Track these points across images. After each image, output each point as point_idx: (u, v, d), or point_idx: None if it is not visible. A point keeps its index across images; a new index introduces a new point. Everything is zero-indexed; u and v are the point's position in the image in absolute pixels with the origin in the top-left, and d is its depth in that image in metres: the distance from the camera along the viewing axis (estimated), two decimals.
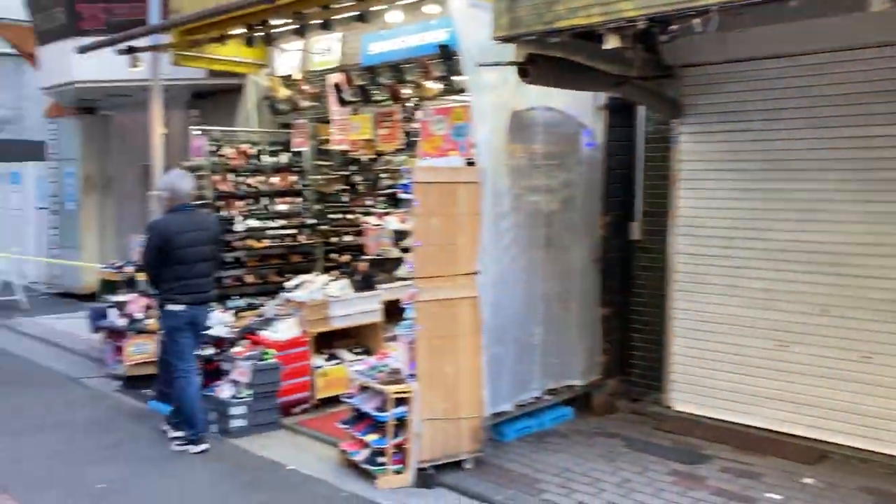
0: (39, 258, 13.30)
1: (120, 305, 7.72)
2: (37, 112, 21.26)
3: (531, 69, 4.89)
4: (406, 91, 7.53)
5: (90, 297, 11.22)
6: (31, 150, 17.96)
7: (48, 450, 5.63)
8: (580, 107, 6.06)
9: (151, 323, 7.51)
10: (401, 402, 5.03)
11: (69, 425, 6.23)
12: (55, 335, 9.60)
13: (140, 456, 5.56)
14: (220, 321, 6.74)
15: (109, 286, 8.34)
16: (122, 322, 7.49)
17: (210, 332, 6.59)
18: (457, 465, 5.11)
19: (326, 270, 8.47)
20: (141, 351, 7.38)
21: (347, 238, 9.09)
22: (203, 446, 5.64)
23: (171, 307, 5.71)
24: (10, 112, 21.51)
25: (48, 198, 13.26)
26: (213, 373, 6.34)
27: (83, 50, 8.18)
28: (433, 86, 7.24)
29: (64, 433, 6.02)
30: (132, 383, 7.15)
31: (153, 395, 6.78)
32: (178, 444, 5.69)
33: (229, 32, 7.72)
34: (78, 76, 9.88)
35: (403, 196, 5.35)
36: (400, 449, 5.04)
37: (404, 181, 5.32)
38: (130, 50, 7.66)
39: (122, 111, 12.16)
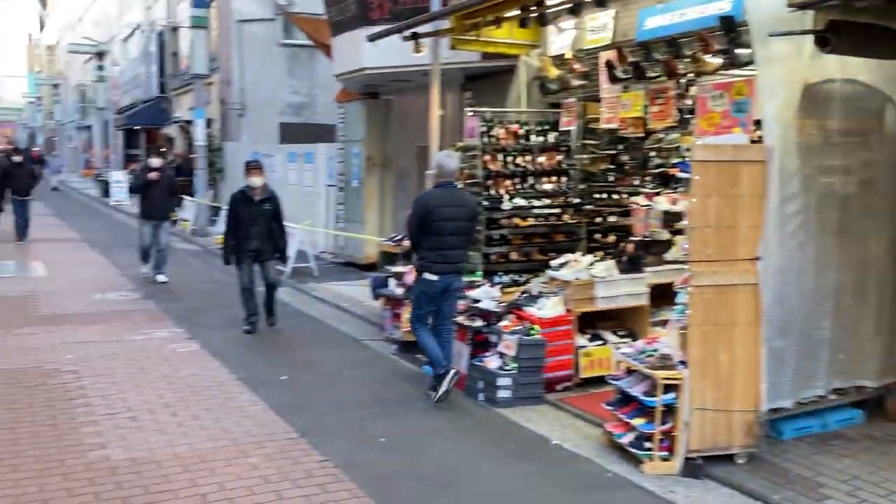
0: (328, 230, 14.71)
1: (398, 276, 8.28)
2: (326, 98, 23.41)
3: (832, 38, 4.46)
4: (682, 66, 7.22)
5: (370, 267, 12.20)
6: (323, 133, 19.88)
7: (336, 402, 6.23)
8: (888, 79, 5.41)
9: None
10: (670, 388, 4.90)
11: (353, 382, 6.84)
12: (340, 300, 10.56)
13: (414, 415, 5.96)
14: (488, 295, 7.00)
15: (389, 258, 9.01)
16: (399, 291, 8.03)
17: (479, 304, 6.89)
18: (727, 458, 4.88)
19: (590, 251, 8.43)
20: None
21: (612, 218, 8.97)
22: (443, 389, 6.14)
23: (426, 275, 6.26)
24: (305, 98, 23.90)
25: (336, 176, 14.56)
26: (481, 344, 6.62)
27: (373, 38, 8.82)
28: (712, 60, 6.87)
29: (349, 388, 6.63)
30: (407, 348, 7.64)
31: (426, 360, 7.22)
32: (430, 390, 6.30)
33: (505, 15, 7.90)
34: (367, 63, 10.70)
35: (679, 175, 5.17)
36: (667, 435, 4.91)
37: (680, 160, 5.13)
38: (414, 36, 8.13)
39: (402, 95, 12.98)
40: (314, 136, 19.06)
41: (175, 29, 28.47)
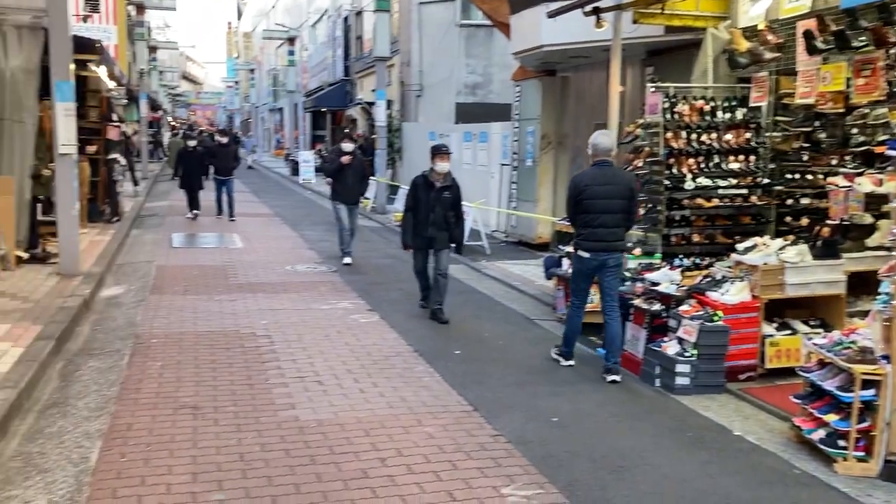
0: (500, 209, 14.83)
1: (572, 256, 8.21)
2: (502, 76, 23.53)
3: None
4: (893, 34, 6.57)
5: (542, 246, 12.19)
6: (498, 112, 19.98)
7: (508, 378, 6.29)
8: None
9: None
10: (869, 384, 4.53)
11: (525, 359, 6.87)
12: (511, 278, 10.63)
13: (587, 396, 5.91)
14: (667, 278, 6.78)
15: (563, 237, 8.93)
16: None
17: (658, 287, 6.68)
18: None
19: (779, 234, 7.92)
20: (588, 300, 7.77)
21: (805, 200, 8.35)
22: (570, 362, 6.63)
23: (579, 253, 6.50)
24: (481, 78, 24.10)
25: (510, 155, 14.62)
26: (659, 328, 6.43)
27: (553, 14, 8.72)
28: None
29: (520, 366, 6.67)
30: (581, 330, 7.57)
31: (600, 343, 7.12)
32: (555, 353, 6.80)
33: None
34: (545, 41, 10.62)
35: (887, 153, 4.73)
36: (864, 435, 4.55)
37: (888, 137, 4.69)
38: (596, 11, 7.96)
39: (579, 72, 12.77)
40: (489, 116, 19.20)
41: (359, 13, 29.63)
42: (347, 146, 11.64)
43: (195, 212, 16.42)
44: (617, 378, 6.24)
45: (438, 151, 8.29)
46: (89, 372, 6.00)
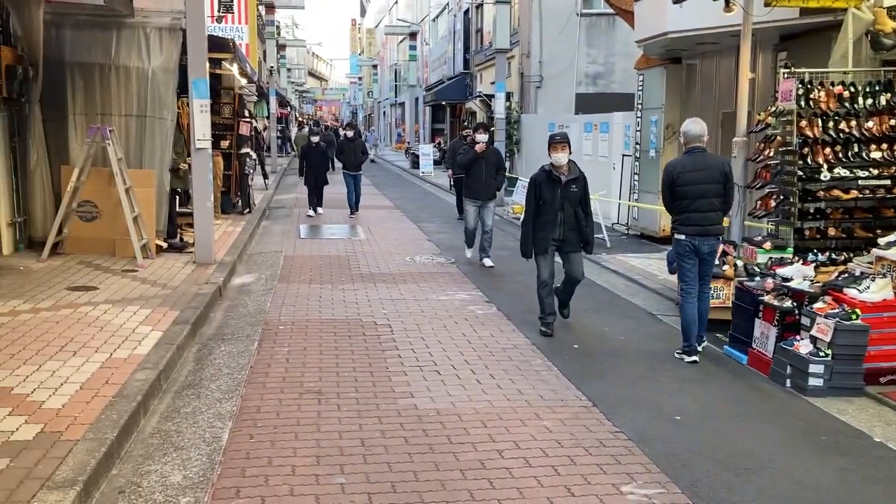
0: (622, 201, 14.51)
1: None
2: (624, 66, 23.02)
3: None
4: None
5: (665, 240, 11.83)
6: (619, 102, 19.57)
7: (628, 374, 6.15)
8: None
9: (726, 269, 7.57)
10: None
11: (647, 355, 6.69)
12: (633, 272, 10.39)
13: (712, 396, 5.70)
14: (800, 274, 6.44)
15: None
16: None
17: (790, 283, 6.36)
18: None
19: None
20: (715, 296, 7.50)
21: None
22: (693, 358, 6.46)
23: (676, 236, 6.68)
24: (602, 68, 23.69)
25: (632, 145, 14.27)
26: (790, 326, 6.11)
27: (677, 1, 8.42)
28: None
29: (641, 362, 6.50)
30: (707, 326, 7.31)
31: (727, 340, 6.85)
32: (677, 353, 6.60)
33: None
34: (671, 27, 10.29)
35: None
36: None
37: None
38: None
39: (706, 59, 12.30)
40: (610, 106, 18.83)
41: (479, 6, 29.68)
42: (480, 136, 10.77)
43: (318, 210, 16.12)
44: (696, 359, 6.46)
45: (553, 141, 7.37)
46: (221, 356, 6.32)
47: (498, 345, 6.85)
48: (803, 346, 5.80)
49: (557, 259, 7.54)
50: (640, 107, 13.96)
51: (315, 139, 16.52)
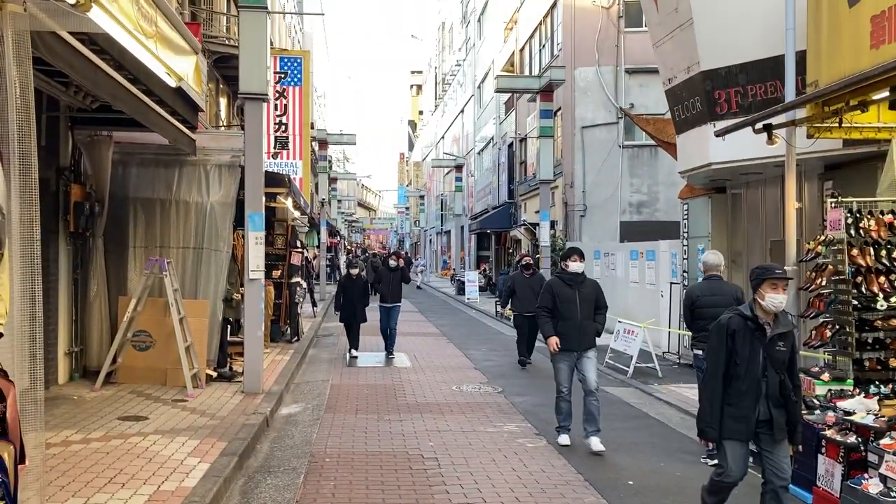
0: (672, 329, 14.30)
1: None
2: (668, 195, 23.32)
3: None
4: None
5: None
6: (664, 230, 19.68)
7: None
8: None
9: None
10: None
11: None
12: (687, 404, 10.07)
13: None
14: (863, 407, 6.20)
15: None
16: None
17: (852, 417, 6.11)
18: None
19: None
20: None
21: None
22: None
23: (695, 351, 7.76)
24: (646, 196, 23.99)
25: (680, 273, 14.21)
26: (857, 463, 5.82)
27: (720, 133, 8.61)
28: None
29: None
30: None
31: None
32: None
33: (872, 98, 7.24)
34: (713, 158, 10.46)
35: None
36: None
37: None
38: (767, 128, 7.76)
39: (751, 188, 12.40)
40: (655, 234, 18.94)
41: (523, 140, 30.67)
42: (576, 265, 8.00)
43: (355, 353, 14.08)
44: None
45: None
46: (267, 489, 6.23)
47: (549, 480, 6.63)
48: (873, 486, 5.50)
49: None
50: (685, 235, 14.01)
51: (354, 271, 14.46)
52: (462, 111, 46.54)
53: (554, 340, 7.86)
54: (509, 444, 7.86)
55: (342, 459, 7.20)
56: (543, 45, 28.25)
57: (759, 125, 7.71)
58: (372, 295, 15.02)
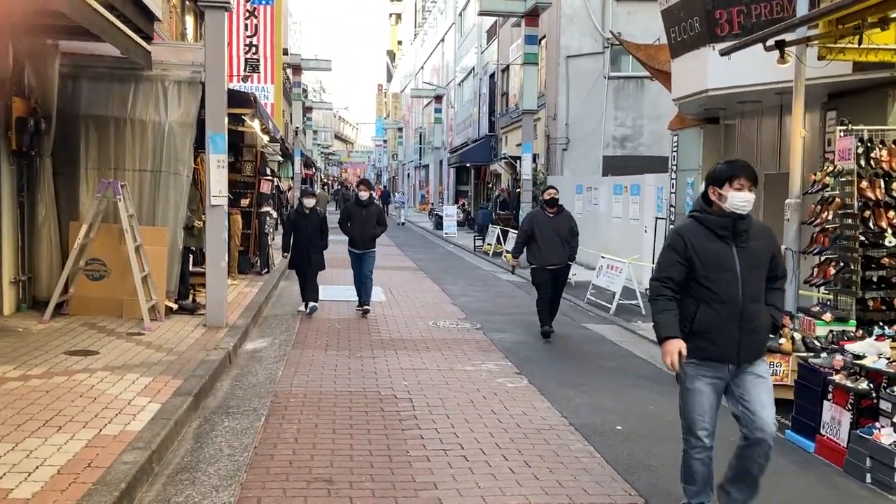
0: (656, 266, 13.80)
1: None
2: (650, 129, 22.71)
3: None
4: None
5: None
6: (648, 165, 19.08)
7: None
8: None
9: (783, 343, 6.85)
10: None
11: None
12: None
13: (778, 491, 4.92)
14: (874, 351, 5.72)
15: None
16: None
17: (863, 361, 5.64)
18: None
19: None
20: (773, 371, 6.77)
21: None
22: None
23: None
24: (630, 130, 23.31)
25: (667, 208, 13.67)
26: (868, 411, 5.37)
27: (726, 52, 7.92)
28: None
29: None
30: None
31: (788, 424, 6.10)
32: None
33: (892, 15, 6.58)
34: (711, 84, 9.79)
35: None
36: None
37: None
38: (780, 45, 7.06)
39: (746, 119, 11.78)
40: (638, 169, 18.38)
41: (505, 70, 29.65)
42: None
43: (311, 304, 11.00)
44: None
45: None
46: (224, 433, 5.67)
47: (532, 425, 6.13)
48: (885, 436, 5.05)
49: None
50: (674, 168, 13.42)
51: (309, 203, 11.02)
52: (443, 40, 45.09)
53: (678, 347, 4.08)
54: (488, 384, 7.36)
55: (308, 399, 6.65)
56: None
57: (771, 42, 7.02)
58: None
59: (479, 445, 5.58)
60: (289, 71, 29.05)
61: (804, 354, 6.67)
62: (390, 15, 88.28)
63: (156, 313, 9.15)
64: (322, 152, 72.11)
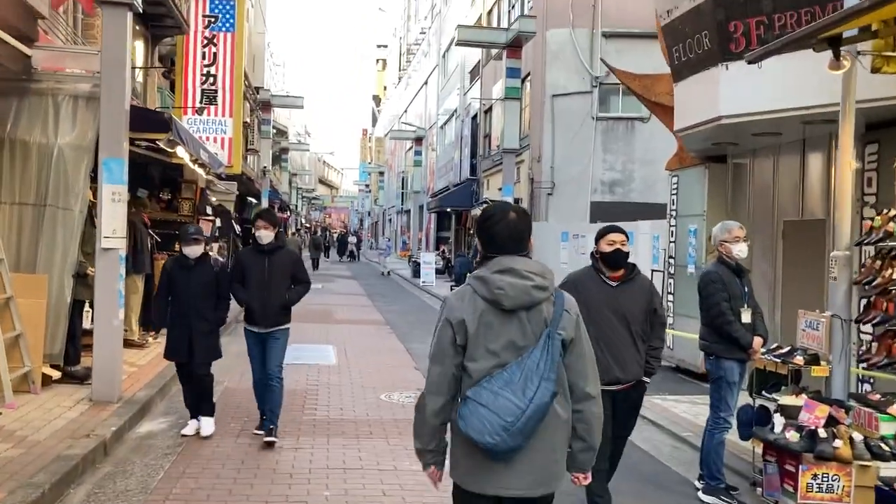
0: None
1: (786, 410, 5.47)
2: (641, 174, 21.16)
3: None
4: None
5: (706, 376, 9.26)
6: (640, 212, 17.44)
7: None
8: None
9: (839, 447, 5.03)
10: None
11: None
12: (679, 425, 7.86)
13: None
14: None
15: (765, 378, 6.14)
16: (793, 436, 5.18)
17: None
18: None
19: None
20: (826, 488, 4.94)
21: None
22: None
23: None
24: (619, 175, 21.75)
25: (665, 259, 11.94)
26: None
27: (753, 60, 6.21)
28: None
29: None
30: None
31: None
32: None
33: None
34: (724, 111, 8.10)
35: None
36: None
37: None
38: (831, 43, 5.32)
39: (759, 156, 10.10)
40: (629, 217, 16.66)
41: (488, 111, 28.25)
42: None
43: (203, 418, 6.83)
44: None
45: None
46: None
47: None
48: None
49: None
50: (673, 213, 11.69)
51: (195, 252, 6.74)
52: (426, 83, 43.87)
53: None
54: (442, 500, 5.43)
55: None
56: (513, 5, 25.74)
57: (819, 38, 5.29)
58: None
59: None
60: (259, 112, 27.51)
61: (869, 463, 4.87)
62: (377, 60, 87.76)
63: (30, 384, 7.23)
64: (305, 196, 70.48)
